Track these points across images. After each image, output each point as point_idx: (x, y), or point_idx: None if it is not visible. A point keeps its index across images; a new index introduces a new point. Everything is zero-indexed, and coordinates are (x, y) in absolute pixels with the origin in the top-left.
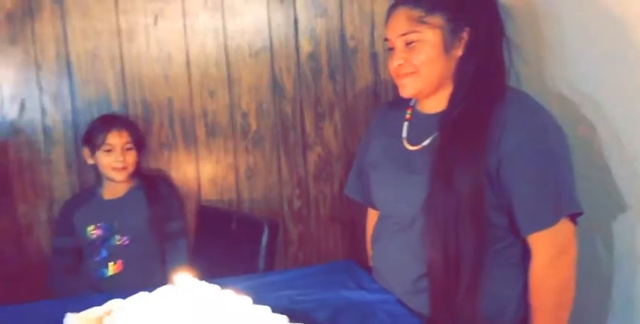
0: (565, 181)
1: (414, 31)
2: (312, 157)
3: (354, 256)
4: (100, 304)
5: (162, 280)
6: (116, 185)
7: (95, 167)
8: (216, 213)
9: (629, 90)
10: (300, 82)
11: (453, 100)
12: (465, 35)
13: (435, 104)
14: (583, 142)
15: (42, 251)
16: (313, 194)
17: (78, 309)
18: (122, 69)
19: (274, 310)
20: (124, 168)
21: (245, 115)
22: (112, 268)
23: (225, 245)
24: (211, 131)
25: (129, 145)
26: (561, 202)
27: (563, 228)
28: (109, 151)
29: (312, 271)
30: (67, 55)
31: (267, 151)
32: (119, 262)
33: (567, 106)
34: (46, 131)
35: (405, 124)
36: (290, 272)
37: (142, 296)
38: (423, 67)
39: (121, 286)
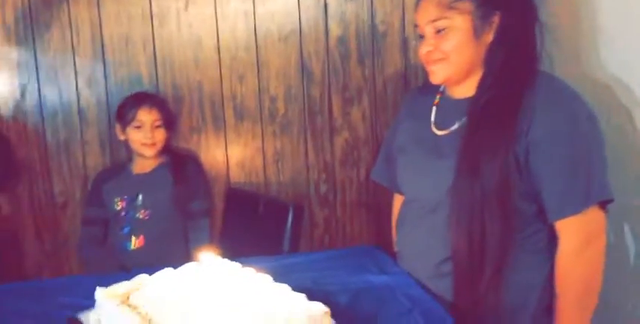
0: (596, 167)
1: (444, 18)
2: (339, 142)
3: (379, 241)
4: (127, 279)
5: (185, 258)
6: (145, 161)
7: (126, 143)
8: (244, 195)
9: None
10: (328, 67)
11: (482, 85)
12: (495, 20)
13: (465, 90)
14: (617, 129)
15: (77, 228)
16: (340, 179)
17: (107, 284)
18: (154, 52)
19: (294, 290)
20: (153, 144)
21: (273, 99)
22: (134, 242)
23: (252, 227)
24: (240, 115)
25: (158, 123)
26: (591, 189)
27: (593, 215)
28: (138, 127)
29: (335, 255)
30: (102, 39)
31: (295, 135)
32: (141, 236)
33: (602, 92)
34: (81, 113)
35: (434, 108)
36: (313, 254)
37: (167, 272)
38: (452, 53)
39: (144, 261)
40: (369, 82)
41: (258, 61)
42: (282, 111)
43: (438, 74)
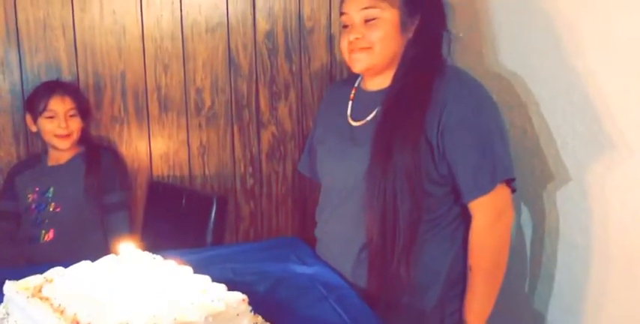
0: (500, 150)
1: (376, 7)
2: (266, 136)
3: (304, 234)
4: (41, 273)
5: (102, 251)
6: (61, 152)
7: (39, 134)
8: (167, 189)
9: (551, 73)
10: (256, 61)
11: (396, 77)
12: (416, 21)
13: (380, 82)
14: (513, 124)
15: None
16: (266, 173)
17: (18, 277)
18: (74, 39)
19: (215, 281)
20: (68, 135)
21: (199, 91)
22: (43, 235)
23: (175, 221)
24: (164, 106)
25: (72, 112)
26: (497, 170)
27: (501, 193)
28: (51, 117)
29: (257, 246)
30: (16, 22)
31: (221, 128)
32: (51, 230)
33: (502, 87)
34: None
35: (350, 103)
36: (235, 246)
37: (83, 265)
38: (378, 44)
39: (54, 255)
40: (296, 77)
41: (184, 52)
42: (208, 103)
43: (361, 63)
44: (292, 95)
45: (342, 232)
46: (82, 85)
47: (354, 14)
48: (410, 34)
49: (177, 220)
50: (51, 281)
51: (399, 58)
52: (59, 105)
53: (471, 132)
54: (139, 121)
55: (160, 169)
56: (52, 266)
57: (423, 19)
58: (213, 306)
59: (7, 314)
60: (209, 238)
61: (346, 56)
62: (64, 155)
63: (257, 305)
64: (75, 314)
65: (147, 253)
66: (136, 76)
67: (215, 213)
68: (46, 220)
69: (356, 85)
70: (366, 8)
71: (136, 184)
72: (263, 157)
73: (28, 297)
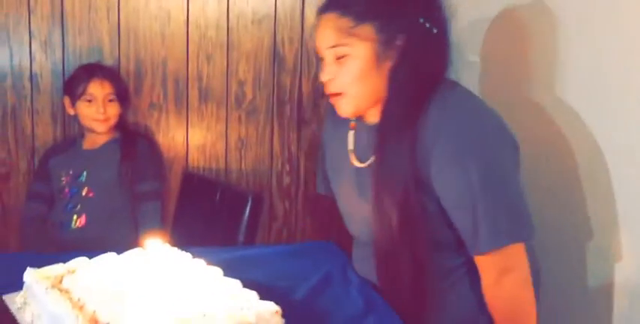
0: (494, 208)
1: (343, 45)
2: (307, 134)
3: (339, 238)
4: (64, 261)
5: (131, 242)
6: (96, 136)
7: (77, 118)
8: (202, 181)
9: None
10: (301, 55)
11: (384, 112)
12: (399, 43)
13: (376, 115)
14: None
15: (19, 201)
16: (303, 172)
17: (43, 264)
18: (118, 22)
19: (245, 286)
20: (106, 120)
21: (241, 84)
22: (75, 221)
23: (207, 215)
24: (204, 96)
25: (111, 97)
26: (496, 231)
27: (506, 251)
28: (89, 101)
29: (291, 250)
30: (62, 2)
31: (261, 123)
32: (83, 215)
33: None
34: (33, 79)
35: (351, 133)
36: (268, 248)
37: (108, 257)
38: (352, 86)
39: (85, 242)
40: None
41: (228, 42)
42: (249, 96)
43: (343, 109)
44: None
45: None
46: (122, 69)
47: (324, 51)
48: (391, 62)
49: (210, 215)
50: (73, 272)
51: (387, 87)
52: (98, 89)
53: (457, 183)
54: (177, 110)
55: (195, 160)
56: (80, 255)
57: (408, 39)
58: (243, 316)
59: (25, 303)
60: (241, 237)
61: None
62: (100, 140)
63: (290, 316)
64: (94, 312)
65: (176, 249)
66: (178, 64)
67: (249, 211)
68: (78, 205)
69: None
70: (333, 47)
71: (171, 174)
72: (302, 155)
73: (47, 288)
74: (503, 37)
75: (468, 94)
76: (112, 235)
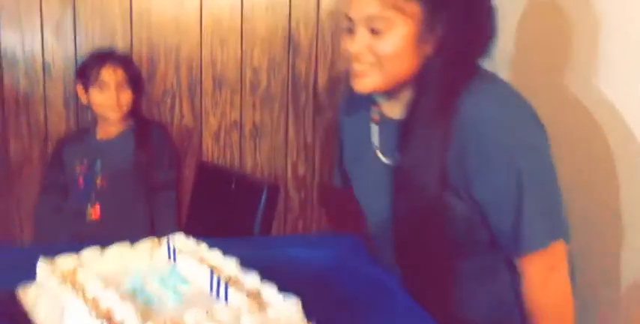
0: (531, 211)
1: (385, 18)
2: (323, 121)
3: (355, 229)
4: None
5: (147, 232)
6: (110, 125)
7: (90, 105)
8: (216, 171)
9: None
10: (317, 41)
11: (412, 105)
12: (439, 31)
13: (400, 108)
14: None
15: (33, 190)
16: (319, 161)
17: (55, 255)
18: (130, 7)
19: (263, 279)
20: (119, 107)
21: (256, 70)
22: (90, 212)
23: (222, 205)
24: (218, 83)
25: (124, 84)
26: (522, 237)
27: (551, 250)
28: (102, 88)
29: (309, 241)
30: None
31: (276, 110)
32: (97, 206)
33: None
34: (46, 65)
35: (375, 128)
36: (285, 239)
37: (122, 248)
38: (387, 60)
39: (101, 232)
40: None
41: (242, 28)
42: (264, 83)
43: (364, 82)
44: None
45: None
46: (135, 55)
47: (359, 22)
48: (430, 49)
49: (225, 205)
50: (86, 265)
51: (415, 78)
52: (111, 76)
53: (493, 184)
54: (191, 97)
55: (210, 149)
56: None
57: (449, 28)
58: (263, 310)
59: (38, 297)
60: (256, 228)
61: (350, 68)
62: (114, 129)
63: (310, 311)
64: (108, 309)
65: (191, 239)
66: (191, 50)
67: (265, 202)
68: (93, 195)
69: (375, 97)
70: (373, 18)
71: (185, 163)
72: (317, 143)
73: (59, 283)
74: (540, 26)
75: (507, 87)
76: (128, 226)
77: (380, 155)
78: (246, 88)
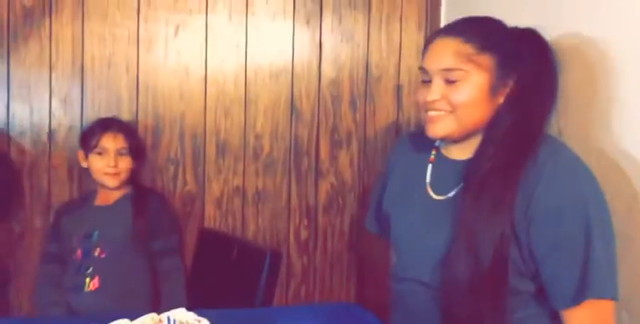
0: (599, 259)
1: (460, 69)
2: (325, 187)
3: (361, 297)
4: None
5: (149, 302)
6: (109, 192)
7: (89, 171)
8: (218, 237)
9: None
10: (319, 108)
11: (482, 149)
12: (510, 83)
13: (461, 151)
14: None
15: (34, 261)
16: (322, 226)
17: None
18: (137, 78)
19: None
20: (116, 174)
21: (259, 137)
22: (88, 284)
23: (224, 273)
24: (222, 150)
25: (124, 151)
26: (589, 282)
27: (597, 307)
28: (101, 154)
29: (312, 312)
30: (82, 58)
31: (279, 176)
32: (96, 277)
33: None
34: (52, 134)
35: (430, 166)
36: (288, 310)
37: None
38: (461, 108)
39: (100, 304)
40: (360, 126)
41: (246, 96)
42: (267, 149)
43: (439, 127)
44: (354, 145)
45: (410, 311)
46: (140, 124)
47: (435, 72)
48: (501, 99)
49: (227, 273)
50: None
51: (485, 126)
52: (110, 142)
53: (564, 227)
54: (194, 164)
55: (212, 216)
56: (93, 320)
57: (519, 82)
58: None
59: None
60: (259, 296)
61: (422, 115)
62: (112, 196)
63: None
64: None
65: (192, 314)
66: (196, 119)
67: (267, 270)
68: (91, 267)
69: (437, 144)
70: (448, 70)
71: (187, 230)
72: (320, 208)
73: None
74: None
75: (568, 149)
76: (128, 296)
77: (430, 191)
78: (249, 155)
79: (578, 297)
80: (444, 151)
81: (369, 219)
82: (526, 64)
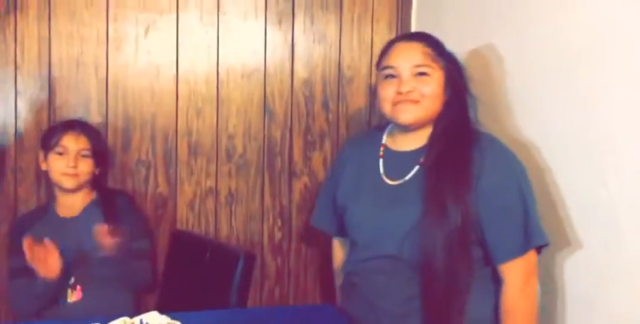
0: (534, 215)
1: (428, 66)
2: (298, 187)
3: (333, 296)
4: None
5: (126, 305)
6: (70, 200)
7: (47, 174)
8: (191, 239)
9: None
10: (291, 108)
11: (434, 137)
12: (450, 85)
13: (411, 142)
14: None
15: (2, 267)
16: (296, 227)
17: None
18: (106, 79)
19: None
20: (75, 175)
21: (231, 138)
22: (71, 295)
23: (197, 275)
24: (194, 151)
25: (85, 152)
26: (532, 234)
27: (531, 257)
28: (61, 154)
29: (286, 313)
30: (50, 59)
31: (252, 176)
32: (78, 288)
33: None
34: (18, 136)
35: (381, 160)
36: (262, 311)
37: None
38: (427, 98)
39: (83, 312)
40: (333, 126)
41: (218, 97)
42: (239, 150)
43: (409, 114)
44: (327, 145)
45: (387, 284)
46: (110, 125)
47: (405, 68)
48: (446, 97)
49: (200, 275)
50: None
51: (435, 119)
52: (72, 142)
53: (507, 197)
54: (166, 166)
55: (184, 217)
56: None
57: (454, 84)
58: None
59: None
60: (233, 297)
61: (388, 107)
62: (76, 205)
63: None
64: None
65: (164, 317)
66: (167, 120)
67: (241, 271)
68: (72, 278)
69: (383, 141)
70: (419, 65)
71: (159, 232)
72: (294, 209)
73: None
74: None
75: (497, 138)
76: (105, 302)
77: (386, 179)
78: (222, 156)
79: (525, 246)
80: (391, 146)
81: (317, 217)
82: (455, 69)
